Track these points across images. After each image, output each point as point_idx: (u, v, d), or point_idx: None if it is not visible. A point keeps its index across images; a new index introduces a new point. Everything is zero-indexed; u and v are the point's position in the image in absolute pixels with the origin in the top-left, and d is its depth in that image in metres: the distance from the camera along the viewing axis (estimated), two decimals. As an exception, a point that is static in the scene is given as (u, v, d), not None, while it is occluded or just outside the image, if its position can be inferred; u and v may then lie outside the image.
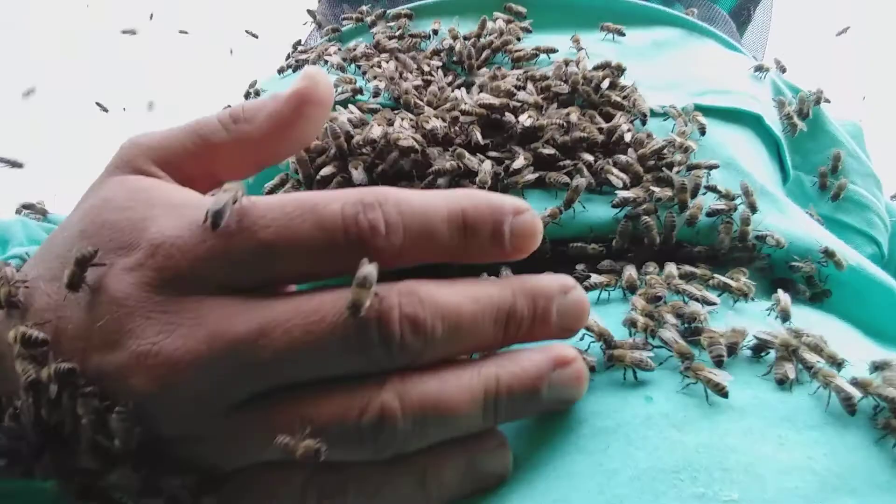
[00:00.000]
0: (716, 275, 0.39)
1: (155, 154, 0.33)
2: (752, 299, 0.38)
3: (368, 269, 0.26)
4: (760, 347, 0.33)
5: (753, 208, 0.44)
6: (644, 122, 0.47)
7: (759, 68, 0.60)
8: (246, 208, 0.28)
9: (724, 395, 0.30)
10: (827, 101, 0.60)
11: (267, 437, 0.26)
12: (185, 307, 0.27)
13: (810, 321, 0.40)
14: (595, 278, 0.39)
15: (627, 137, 0.45)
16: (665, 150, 0.45)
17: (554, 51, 0.54)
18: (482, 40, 0.55)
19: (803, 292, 0.45)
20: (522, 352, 0.29)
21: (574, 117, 0.45)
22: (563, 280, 0.30)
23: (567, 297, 0.30)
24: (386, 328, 0.26)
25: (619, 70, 0.51)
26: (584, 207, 0.42)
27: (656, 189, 0.42)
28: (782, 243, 0.43)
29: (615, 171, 0.43)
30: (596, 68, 0.51)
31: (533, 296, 0.29)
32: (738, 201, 0.44)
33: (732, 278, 0.39)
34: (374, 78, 0.52)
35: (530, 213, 0.30)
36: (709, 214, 0.43)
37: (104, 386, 0.27)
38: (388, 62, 0.54)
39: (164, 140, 0.33)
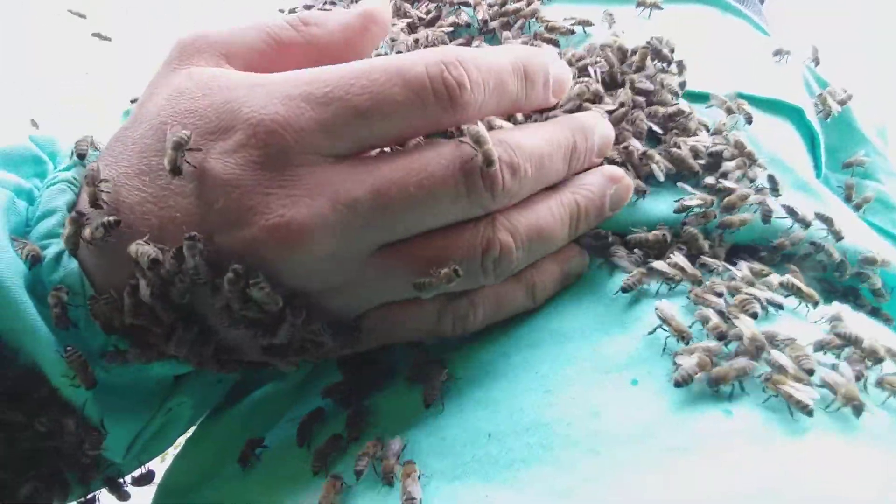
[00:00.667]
0: (789, 277, 0.35)
1: (223, 48, 0.33)
2: (817, 304, 0.35)
3: (480, 127, 0.30)
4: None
5: (838, 237, 0.41)
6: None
7: (778, 52, 0.57)
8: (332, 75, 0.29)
9: (809, 413, 0.27)
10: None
11: (400, 277, 0.30)
12: (300, 179, 0.28)
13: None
14: (659, 265, 0.35)
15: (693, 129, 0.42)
16: (717, 148, 0.42)
17: (590, 24, 0.50)
18: (509, 6, 0.50)
19: (863, 303, 0.42)
20: (584, 176, 0.35)
21: (625, 97, 0.41)
22: (595, 116, 0.36)
23: (599, 129, 0.36)
24: (491, 176, 0.29)
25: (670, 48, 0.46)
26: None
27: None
28: (836, 258, 0.40)
29: (661, 161, 0.39)
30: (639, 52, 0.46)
31: (584, 132, 0.35)
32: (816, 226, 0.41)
33: (799, 280, 0.36)
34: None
35: (561, 63, 0.35)
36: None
37: (234, 260, 0.28)
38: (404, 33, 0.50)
39: (233, 35, 0.33)
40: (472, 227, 0.31)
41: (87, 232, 0.30)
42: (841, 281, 0.41)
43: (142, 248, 0.29)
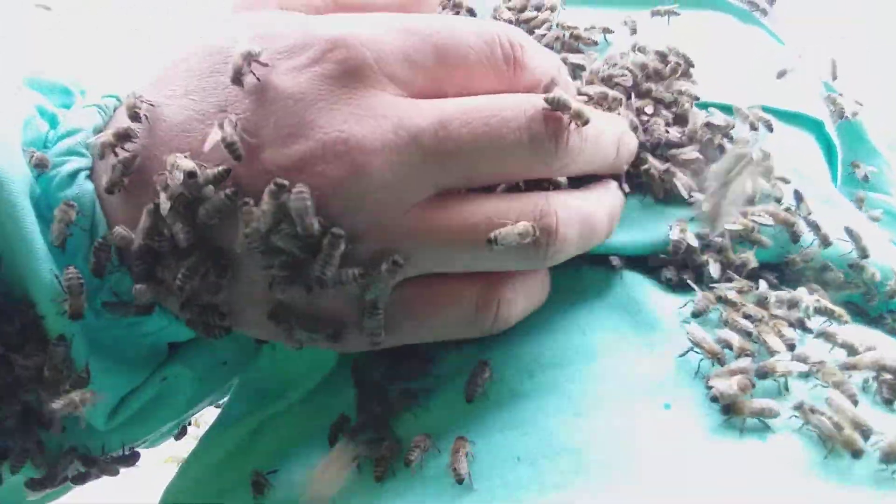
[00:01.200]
0: (819, 299, 0.35)
1: (286, 3, 0.32)
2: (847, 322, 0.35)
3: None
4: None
5: (864, 254, 0.40)
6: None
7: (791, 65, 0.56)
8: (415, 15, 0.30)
9: (858, 455, 0.26)
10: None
11: (443, 236, 0.28)
12: (369, 99, 0.27)
13: None
14: (731, 294, 0.35)
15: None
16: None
17: (610, 31, 0.49)
18: (527, 13, 0.49)
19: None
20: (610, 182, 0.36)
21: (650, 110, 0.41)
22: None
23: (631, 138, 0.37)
24: (556, 122, 0.29)
25: (688, 62, 0.46)
26: None
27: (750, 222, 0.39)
28: (876, 277, 0.40)
29: (683, 178, 0.39)
30: (661, 57, 0.45)
31: (626, 134, 0.36)
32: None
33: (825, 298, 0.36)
34: None
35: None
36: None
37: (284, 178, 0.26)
38: None
39: None
40: (527, 196, 0.30)
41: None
42: (870, 303, 0.41)
43: (180, 160, 0.27)
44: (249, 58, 0.27)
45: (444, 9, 0.52)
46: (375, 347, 0.30)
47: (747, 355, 0.31)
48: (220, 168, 0.27)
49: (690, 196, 0.39)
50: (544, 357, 0.33)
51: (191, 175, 0.27)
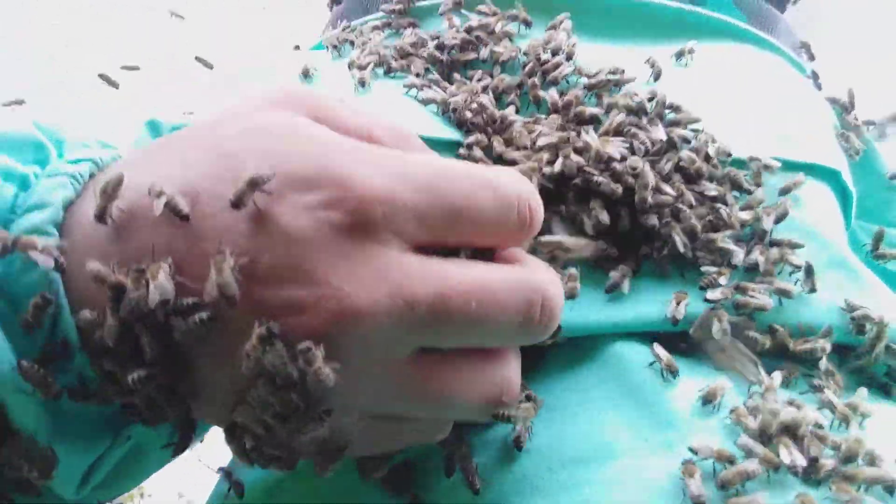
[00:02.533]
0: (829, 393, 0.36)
1: (314, 110, 0.31)
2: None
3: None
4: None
5: (861, 330, 0.41)
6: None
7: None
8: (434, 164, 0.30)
9: None
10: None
11: (423, 390, 0.29)
12: (372, 258, 0.27)
13: None
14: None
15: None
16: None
17: (630, 79, 0.48)
18: (545, 55, 0.49)
19: None
20: None
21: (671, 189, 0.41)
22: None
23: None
24: (552, 312, 0.30)
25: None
26: None
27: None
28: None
29: (680, 234, 0.40)
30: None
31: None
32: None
33: (833, 391, 0.37)
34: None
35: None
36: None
37: (267, 317, 0.25)
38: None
39: (332, 109, 0.32)
40: (491, 359, 0.31)
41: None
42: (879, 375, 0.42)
43: (160, 278, 0.26)
44: (255, 186, 0.26)
45: (499, 20, 0.51)
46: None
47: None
48: (201, 310, 0.26)
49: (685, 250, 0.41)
50: (565, 451, 0.34)
51: (164, 304, 0.26)
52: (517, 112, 0.46)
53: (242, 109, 0.31)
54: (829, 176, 0.50)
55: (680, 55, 0.51)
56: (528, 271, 0.30)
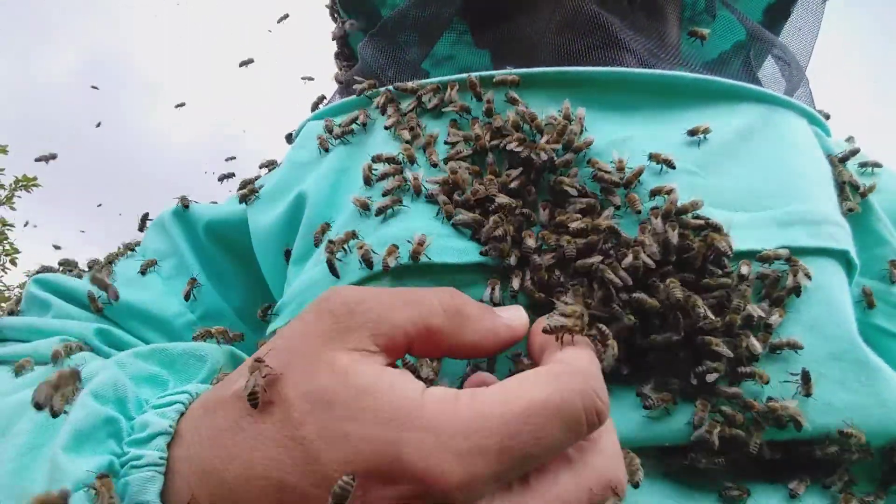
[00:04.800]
0: None
1: (377, 330, 0.32)
2: None
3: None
4: None
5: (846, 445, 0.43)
6: None
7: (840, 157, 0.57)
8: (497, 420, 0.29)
9: None
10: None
11: None
12: None
13: None
14: None
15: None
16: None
17: (639, 173, 0.48)
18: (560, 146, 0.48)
19: None
20: None
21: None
22: None
23: None
24: (601, 414, 0.31)
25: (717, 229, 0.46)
26: None
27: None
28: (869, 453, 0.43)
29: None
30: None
31: None
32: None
33: None
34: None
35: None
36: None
37: None
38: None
39: (386, 314, 0.32)
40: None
41: None
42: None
43: None
44: (342, 500, 0.27)
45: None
46: None
47: None
48: None
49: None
50: None
51: None
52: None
53: (308, 349, 0.31)
54: (838, 254, 0.50)
55: (693, 133, 0.51)
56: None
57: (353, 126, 0.58)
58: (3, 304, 4.29)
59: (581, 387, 0.30)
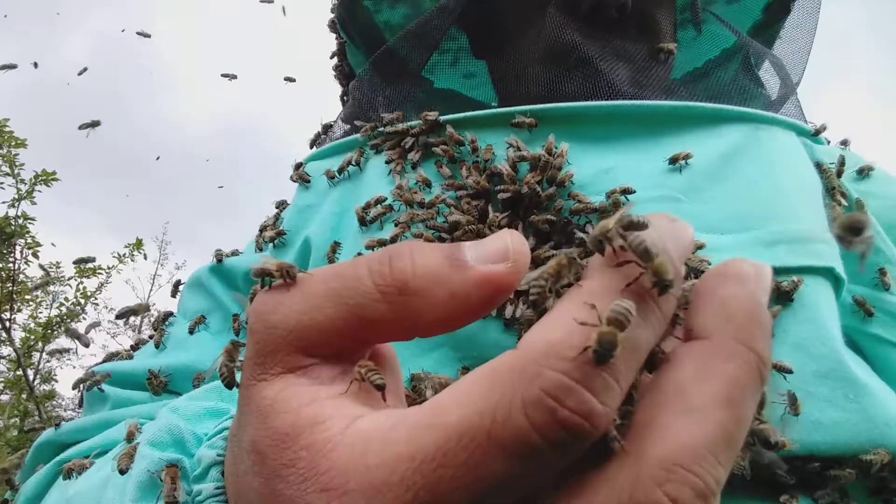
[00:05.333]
0: None
1: (298, 340, 0.26)
2: None
3: None
4: None
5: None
6: None
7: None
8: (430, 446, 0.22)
9: None
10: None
11: None
12: None
13: None
14: None
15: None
16: None
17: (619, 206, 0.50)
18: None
19: None
20: None
21: None
22: None
23: None
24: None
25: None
26: None
27: None
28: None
29: None
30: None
31: None
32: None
33: None
34: None
35: None
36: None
37: None
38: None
39: (305, 318, 0.26)
40: None
41: None
42: None
43: None
44: None
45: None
46: None
47: None
48: None
49: None
50: None
51: None
52: None
53: (244, 390, 0.27)
54: (823, 271, 0.51)
55: (674, 161, 0.52)
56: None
57: (349, 168, 0.60)
58: (26, 297, 4.42)
59: (525, 389, 0.21)
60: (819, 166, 0.59)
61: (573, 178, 0.51)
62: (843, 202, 0.57)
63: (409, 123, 0.59)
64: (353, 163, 0.60)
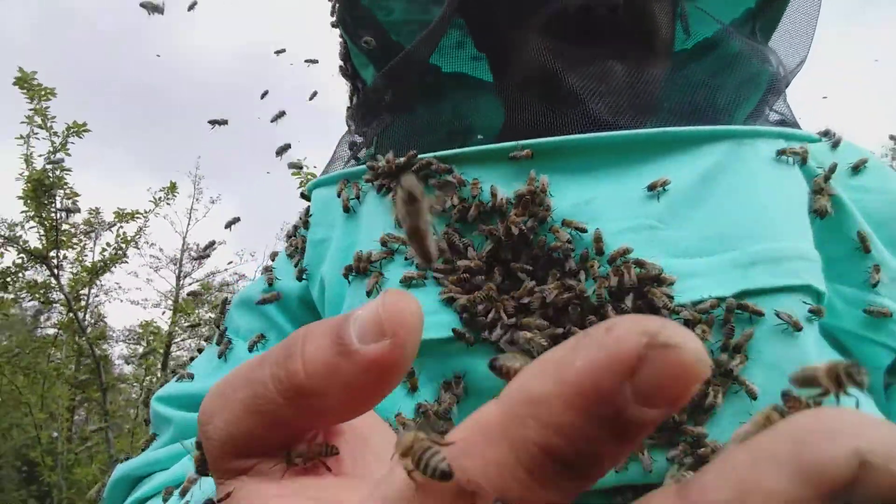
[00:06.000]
0: None
1: (233, 448, 0.26)
2: None
3: None
4: None
5: None
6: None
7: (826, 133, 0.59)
8: None
9: None
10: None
11: None
12: None
13: None
14: None
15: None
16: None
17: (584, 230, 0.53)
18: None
19: None
20: None
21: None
22: None
23: None
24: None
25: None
26: None
27: None
28: None
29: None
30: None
31: None
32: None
33: None
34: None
35: None
36: None
37: None
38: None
39: (231, 429, 0.26)
40: None
41: None
42: None
43: None
44: None
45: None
46: None
47: None
48: None
49: None
50: None
51: None
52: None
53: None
54: (801, 288, 0.53)
55: (652, 188, 0.54)
56: None
57: (350, 203, 0.63)
58: (72, 242, 4.60)
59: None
60: (806, 169, 0.59)
61: (553, 211, 0.53)
62: (828, 199, 0.58)
63: (397, 160, 0.60)
64: (353, 197, 0.63)
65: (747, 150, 0.57)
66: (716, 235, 0.53)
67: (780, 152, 0.58)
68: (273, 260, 0.73)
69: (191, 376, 0.67)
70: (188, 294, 8.34)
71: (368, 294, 0.56)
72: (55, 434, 5.14)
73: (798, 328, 0.53)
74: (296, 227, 0.72)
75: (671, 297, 0.49)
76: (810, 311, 0.53)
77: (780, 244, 0.54)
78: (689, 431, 0.48)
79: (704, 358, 0.17)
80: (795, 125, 0.66)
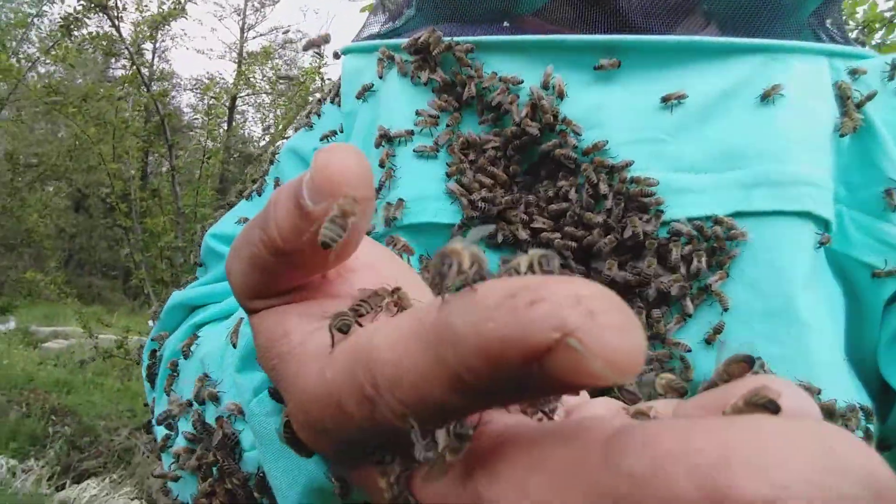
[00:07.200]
0: None
1: (248, 293, 0.30)
2: None
3: None
4: None
5: None
6: None
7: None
8: None
9: None
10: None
11: None
12: None
13: None
14: None
15: None
16: None
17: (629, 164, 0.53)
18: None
19: None
20: None
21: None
22: None
23: None
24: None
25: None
26: None
27: None
28: None
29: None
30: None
31: None
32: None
33: None
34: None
35: None
36: None
37: None
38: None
39: (243, 279, 0.30)
40: None
41: None
42: None
43: None
44: None
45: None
46: None
47: None
48: None
49: None
50: None
51: None
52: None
53: None
54: (802, 215, 0.52)
55: (666, 100, 0.52)
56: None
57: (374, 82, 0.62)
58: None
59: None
60: (838, 85, 0.56)
61: (562, 114, 0.53)
62: (857, 120, 0.55)
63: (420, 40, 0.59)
64: (378, 76, 0.62)
65: (778, 67, 0.54)
66: (723, 153, 0.53)
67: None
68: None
69: (245, 220, 0.71)
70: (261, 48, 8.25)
71: (381, 166, 0.59)
72: (132, 172, 5.38)
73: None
74: (320, 101, 0.72)
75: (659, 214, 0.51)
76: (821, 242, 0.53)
77: (786, 167, 0.53)
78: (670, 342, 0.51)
79: (619, 361, 0.16)
80: (846, 41, 0.61)
